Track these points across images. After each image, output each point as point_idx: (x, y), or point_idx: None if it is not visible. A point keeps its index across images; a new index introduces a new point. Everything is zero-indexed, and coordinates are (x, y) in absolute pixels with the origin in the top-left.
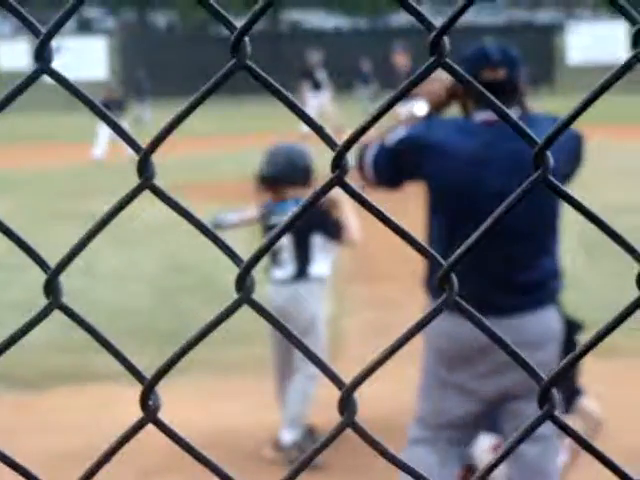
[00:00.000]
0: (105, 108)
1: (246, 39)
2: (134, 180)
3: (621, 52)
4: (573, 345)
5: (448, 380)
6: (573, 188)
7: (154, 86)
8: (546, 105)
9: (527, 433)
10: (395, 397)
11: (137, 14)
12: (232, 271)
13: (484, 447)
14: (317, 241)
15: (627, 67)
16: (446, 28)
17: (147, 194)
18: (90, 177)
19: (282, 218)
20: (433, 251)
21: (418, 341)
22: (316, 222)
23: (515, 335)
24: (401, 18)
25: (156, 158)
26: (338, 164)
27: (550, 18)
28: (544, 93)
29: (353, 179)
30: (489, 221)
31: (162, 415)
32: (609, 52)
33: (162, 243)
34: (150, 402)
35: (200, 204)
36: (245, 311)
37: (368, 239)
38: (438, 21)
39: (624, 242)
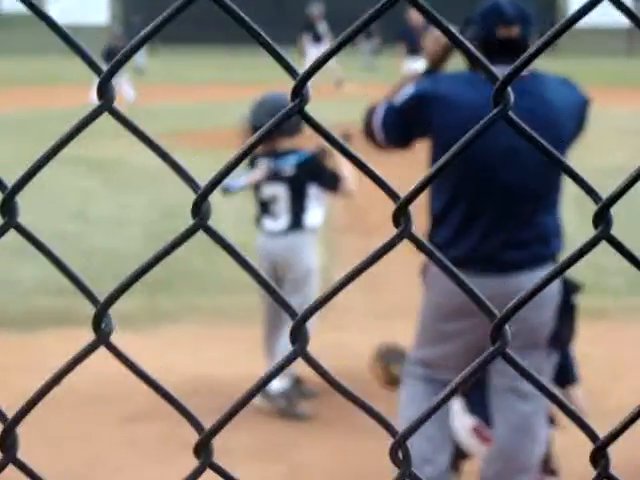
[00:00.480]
0: (108, 55)
1: None
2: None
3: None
4: (570, 306)
5: (445, 329)
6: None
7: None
8: (548, 66)
9: (479, 368)
10: None
11: None
12: (226, 219)
13: (465, 426)
14: (312, 191)
15: (588, 10)
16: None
17: (138, 141)
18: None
19: (289, 167)
20: (434, 207)
21: (411, 297)
22: (312, 173)
23: (513, 292)
24: None
25: (151, 105)
26: (298, 92)
27: None
28: (546, 54)
29: (362, 141)
30: (446, 156)
31: (150, 360)
32: (612, 14)
33: (156, 188)
34: (103, 325)
35: (193, 152)
36: (231, 261)
37: (361, 190)
38: None
39: (584, 182)
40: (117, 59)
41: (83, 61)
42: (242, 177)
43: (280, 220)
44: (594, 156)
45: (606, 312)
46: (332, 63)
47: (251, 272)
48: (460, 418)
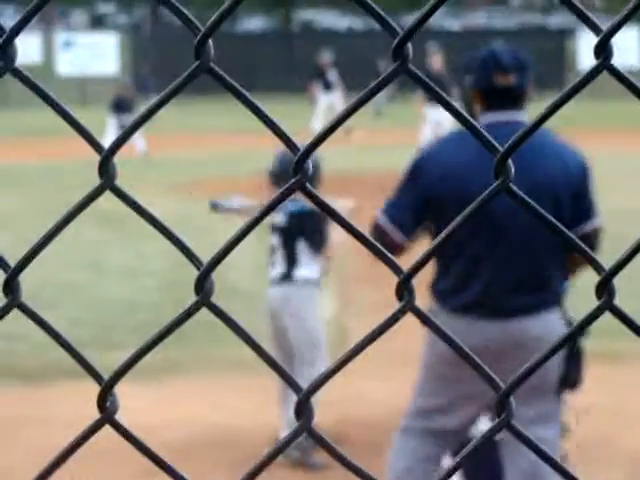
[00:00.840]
0: (116, 106)
1: (210, 42)
2: (144, 176)
3: (633, 58)
4: (576, 350)
5: (446, 374)
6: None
7: (166, 83)
8: (564, 110)
9: (484, 441)
10: (399, 399)
11: (151, 11)
12: (238, 269)
13: None
14: (303, 245)
15: (590, 77)
16: (411, 33)
17: (153, 192)
18: (94, 172)
19: (283, 216)
20: (436, 264)
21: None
22: (302, 226)
23: (518, 337)
24: (412, 18)
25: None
26: (299, 169)
27: (562, 22)
28: (555, 97)
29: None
30: (449, 228)
31: (166, 412)
32: (620, 58)
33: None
34: (108, 403)
35: (201, 202)
36: (247, 309)
37: None
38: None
39: (585, 252)
40: (118, 138)
41: (83, 138)
42: (237, 199)
43: (276, 269)
44: (610, 201)
45: (621, 355)
46: (342, 109)
47: (254, 348)
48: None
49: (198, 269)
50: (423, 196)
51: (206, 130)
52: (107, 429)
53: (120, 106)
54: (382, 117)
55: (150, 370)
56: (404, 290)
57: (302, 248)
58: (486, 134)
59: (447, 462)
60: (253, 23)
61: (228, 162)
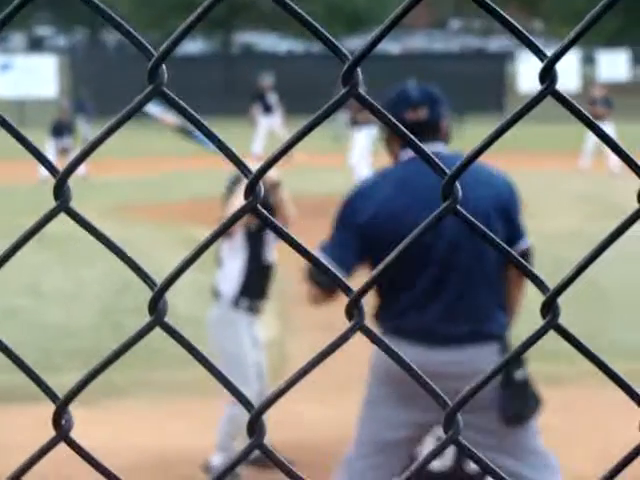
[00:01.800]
0: (55, 129)
1: (163, 66)
2: (83, 199)
3: (572, 82)
4: (513, 382)
5: (387, 408)
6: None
7: (104, 105)
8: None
9: (432, 456)
10: (339, 424)
11: (89, 33)
12: (176, 293)
13: None
14: (226, 246)
15: (535, 103)
16: (360, 59)
17: (92, 214)
18: (43, 196)
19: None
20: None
21: (367, 368)
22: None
23: (456, 366)
24: (355, 43)
25: (107, 178)
26: (251, 191)
27: (502, 46)
28: (494, 120)
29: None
30: (396, 251)
31: (103, 435)
32: (560, 81)
33: (108, 263)
34: (63, 421)
35: (149, 225)
36: (194, 331)
37: None
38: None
39: (531, 273)
40: (71, 162)
41: (38, 161)
42: (160, 109)
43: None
44: (544, 222)
45: (561, 378)
46: (281, 132)
47: (207, 366)
48: None
49: (152, 289)
50: (358, 233)
51: (147, 153)
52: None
53: (59, 129)
54: (341, 141)
55: (88, 393)
56: (354, 309)
57: (225, 246)
58: (434, 157)
59: None
60: (193, 46)
61: (169, 184)
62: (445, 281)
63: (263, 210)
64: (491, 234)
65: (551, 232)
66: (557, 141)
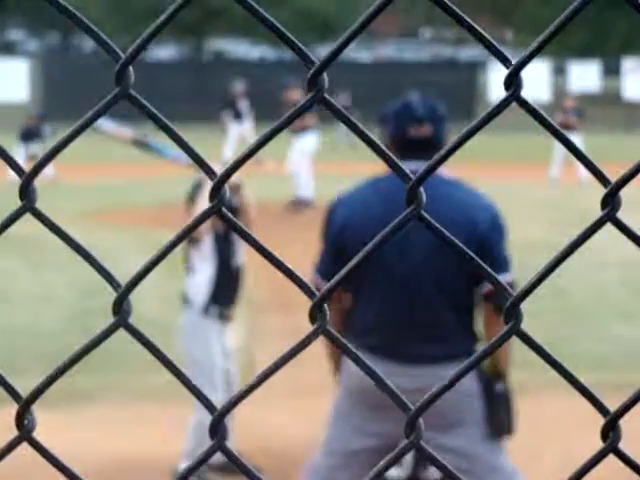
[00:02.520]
0: (24, 135)
1: (130, 69)
2: (51, 202)
3: (543, 92)
4: (493, 394)
5: (354, 418)
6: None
7: (76, 111)
8: (468, 141)
9: (393, 461)
10: (306, 430)
11: (62, 37)
12: (143, 297)
13: None
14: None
15: (500, 109)
16: (326, 64)
17: (61, 219)
18: (11, 198)
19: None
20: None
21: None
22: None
23: (420, 383)
24: (327, 50)
25: (73, 182)
26: (216, 194)
27: (473, 55)
28: (464, 129)
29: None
30: (357, 257)
31: (69, 440)
32: (531, 90)
33: (75, 266)
34: (26, 421)
35: (115, 230)
36: (163, 338)
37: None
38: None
39: (496, 280)
40: (37, 163)
41: (3, 160)
42: (113, 124)
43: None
44: (513, 233)
45: (526, 387)
46: (252, 139)
47: (170, 368)
48: None
49: (116, 290)
50: (333, 245)
51: (115, 158)
52: (15, 454)
53: (28, 135)
54: (338, 150)
55: (55, 397)
56: (317, 313)
57: (194, 253)
58: (399, 163)
59: None
60: (164, 51)
61: (137, 189)
62: (410, 302)
63: (228, 213)
64: (455, 240)
65: (518, 240)
66: (527, 151)
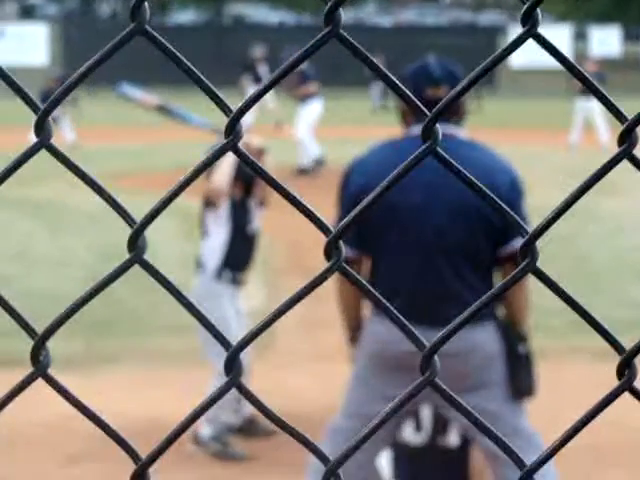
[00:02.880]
0: (46, 98)
1: (145, 4)
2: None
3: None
4: (517, 356)
5: (374, 382)
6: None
7: (95, 74)
8: (488, 106)
9: (409, 398)
10: (323, 393)
11: (81, 1)
12: (163, 262)
13: None
14: (209, 219)
15: (516, 45)
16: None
17: (80, 182)
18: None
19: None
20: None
21: (341, 339)
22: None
23: (450, 344)
24: (345, 15)
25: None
26: (232, 130)
27: (493, 20)
28: (486, 95)
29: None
30: (376, 192)
31: (90, 402)
32: (551, 56)
33: (96, 230)
34: (41, 357)
35: (132, 194)
36: (173, 302)
37: (301, 233)
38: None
39: (511, 216)
40: (54, 97)
41: (20, 98)
42: (141, 92)
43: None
44: (533, 198)
45: (546, 353)
46: (272, 105)
47: (187, 306)
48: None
49: (131, 227)
50: (350, 206)
51: (134, 122)
52: (31, 419)
53: (48, 98)
54: (379, 113)
55: (76, 361)
56: (333, 250)
57: (210, 217)
58: (413, 97)
59: (382, 463)
60: (184, 16)
61: (155, 153)
62: (433, 264)
63: (243, 149)
64: (473, 179)
65: (538, 205)
66: (546, 117)
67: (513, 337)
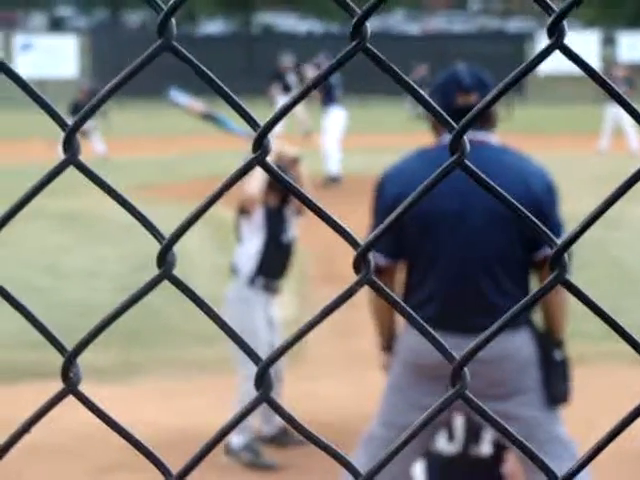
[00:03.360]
0: (75, 110)
1: (172, 20)
2: (110, 179)
3: (592, 61)
4: (554, 362)
5: (409, 391)
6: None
7: (124, 86)
8: (517, 113)
9: (440, 410)
10: (355, 401)
11: (110, 13)
12: (197, 271)
13: None
14: (245, 228)
15: (543, 57)
16: (368, 13)
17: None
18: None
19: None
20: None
21: (372, 344)
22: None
23: (484, 351)
24: (372, 24)
25: (120, 158)
26: (260, 144)
27: (521, 27)
28: (515, 102)
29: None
30: (403, 205)
31: (124, 413)
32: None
33: (128, 241)
34: (71, 374)
35: (161, 205)
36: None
37: (332, 241)
38: None
39: (540, 229)
40: (82, 113)
41: (47, 114)
42: (188, 98)
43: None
44: (564, 204)
45: (582, 358)
46: (301, 114)
47: (216, 320)
48: None
49: (160, 243)
50: (384, 217)
51: (167, 132)
52: (64, 432)
53: (78, 110)
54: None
55: (110, 371)
56: (361, 263)
57: (244, 224)
58: (440, 110)
59: (417, 473)
60: (213, 26)
61: (188, 163)
62: (469, 271)
63: (271, 164)
64: (502, 192)
65: (570, 212)
66: (575, 123)
67: (549, 343)
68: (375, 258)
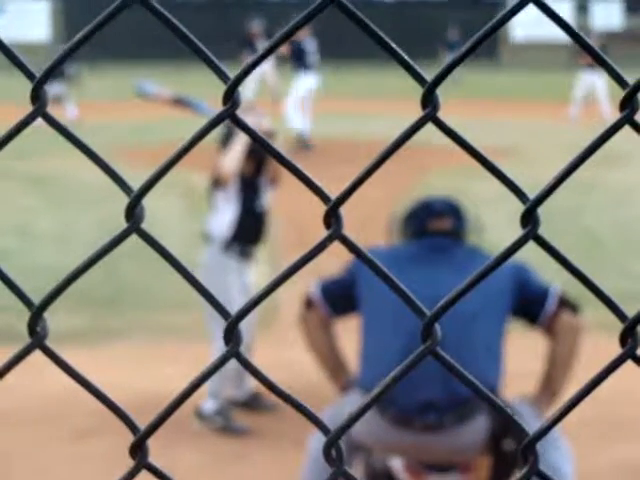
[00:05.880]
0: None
1: None
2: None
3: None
4: (500, 453)
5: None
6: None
7: (97, 51)
8: (490, 81)
9: (410, 367)
10: None
11: None
12: (168, 236)
13: None
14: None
15: (516, 10)
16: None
17: (82, 157)
18: (26, 138)
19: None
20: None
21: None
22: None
23: (432, 449)
24: None
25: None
26: (229, 97)
27: None
28: (488, 69)
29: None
30: (383, 153)
31: (97, 377)
32: (552, 30)
33: (100, 205)
34: (38, 328)
35: (131, 169)
36: (178, 278)
37: (305, 209)
38: None
39: (512, 184)
40: (49, 67)
41: (14, 65)
42: (156, 87)
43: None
44: (535, 171)
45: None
46: (272, 79)
47: (185, 276)
48: None
49: (128, 195)
50: (349, 280)
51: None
52: (39, 396)
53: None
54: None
55: (82, 335)
56: (332, 218)
57: (219, 193)
58: (409, 60)
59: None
60: None
61: (163, 129)
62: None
63: (240, 117)
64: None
65: (541, 180)
66: (547, 90)
67: (503, 433)
68: (315, 298)
